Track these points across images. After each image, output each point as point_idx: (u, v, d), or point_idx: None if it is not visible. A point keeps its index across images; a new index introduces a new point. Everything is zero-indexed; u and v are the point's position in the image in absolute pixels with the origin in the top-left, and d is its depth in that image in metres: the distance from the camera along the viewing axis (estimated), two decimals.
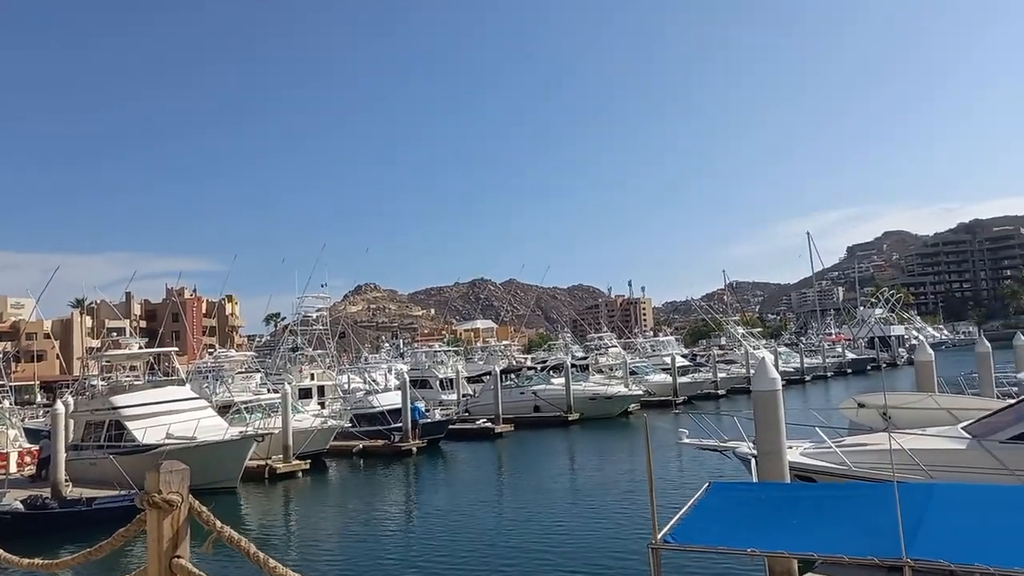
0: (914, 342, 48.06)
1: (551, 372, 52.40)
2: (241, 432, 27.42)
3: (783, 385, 11.76)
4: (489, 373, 47.03)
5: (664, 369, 57.47)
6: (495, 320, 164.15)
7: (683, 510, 7.72)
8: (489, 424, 40.26)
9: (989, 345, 24.69)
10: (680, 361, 60.32)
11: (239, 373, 45.99)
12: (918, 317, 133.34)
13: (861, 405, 17.00)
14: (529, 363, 63.55)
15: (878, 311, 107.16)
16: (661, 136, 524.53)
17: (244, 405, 33.95)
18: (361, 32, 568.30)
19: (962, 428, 13.11)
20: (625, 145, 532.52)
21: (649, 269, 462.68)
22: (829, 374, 71.99)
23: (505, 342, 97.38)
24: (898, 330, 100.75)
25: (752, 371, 14.47)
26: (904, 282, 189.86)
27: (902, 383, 49.47)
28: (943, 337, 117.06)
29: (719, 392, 55.54)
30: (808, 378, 67.45)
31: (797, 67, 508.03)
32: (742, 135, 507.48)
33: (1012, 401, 15.20)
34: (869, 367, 77.74)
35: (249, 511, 24.46)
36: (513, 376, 51.12)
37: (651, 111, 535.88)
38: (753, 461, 12.03)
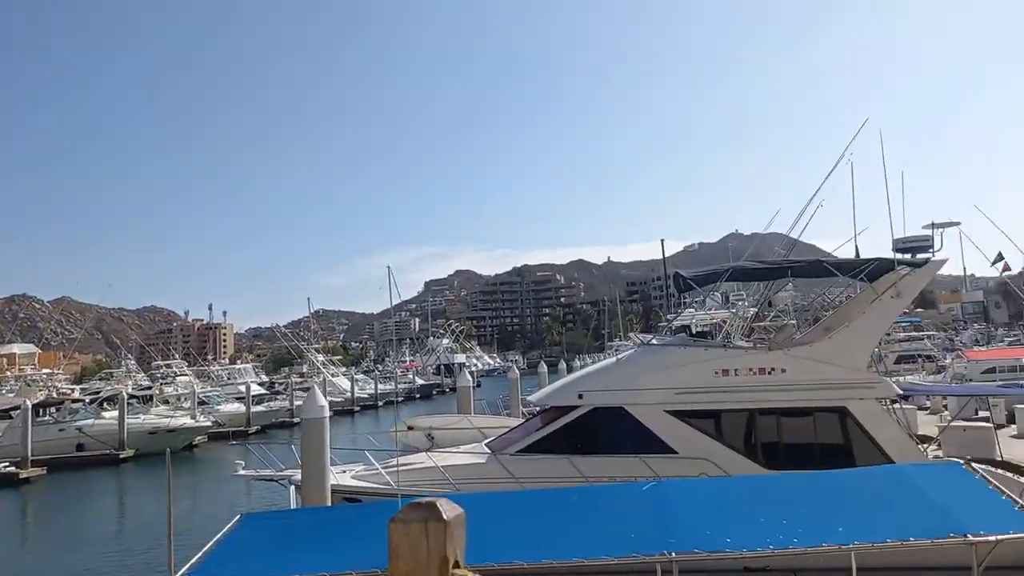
0: (472, 369, 54.34)
1: (103, 404, 46.39)
2: None
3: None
4: (19, 407, 39.58)
5: (239, 398, 55.12)
6: (38, 344, 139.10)
7: (207, 546, 7.44)
8: (12, 468, 33.72)
9: (517, 372, 29.30)
10: (258, 389, 58.76)
11: None
12: (478, 347, 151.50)
13: (411, 427, 18.58)
14: (77, 394, 55.31)
15: (445, 341, 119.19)
16: (264, 173, 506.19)
17: None
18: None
19: (485, 444, 15.17)
20: (225, 176, 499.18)
21: (234, 293, 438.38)
22: (400, 399, 77.35)
23: (47, 370, 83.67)
24: (461, 358, 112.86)
25: (304, 400, 14.74)
26: (469, 315, 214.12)
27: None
28: (496, 364, 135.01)
29: (295, 420, 55.05)
30: (381, 403, 71.31)
31: (392, 113, 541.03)
32: (294, 160, 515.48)
33: (523, 420, 18.18)
34: (435, 392, 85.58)
35: None
36: (54, 410, 43.91)
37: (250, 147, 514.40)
38: (294, 488, 12.19)
